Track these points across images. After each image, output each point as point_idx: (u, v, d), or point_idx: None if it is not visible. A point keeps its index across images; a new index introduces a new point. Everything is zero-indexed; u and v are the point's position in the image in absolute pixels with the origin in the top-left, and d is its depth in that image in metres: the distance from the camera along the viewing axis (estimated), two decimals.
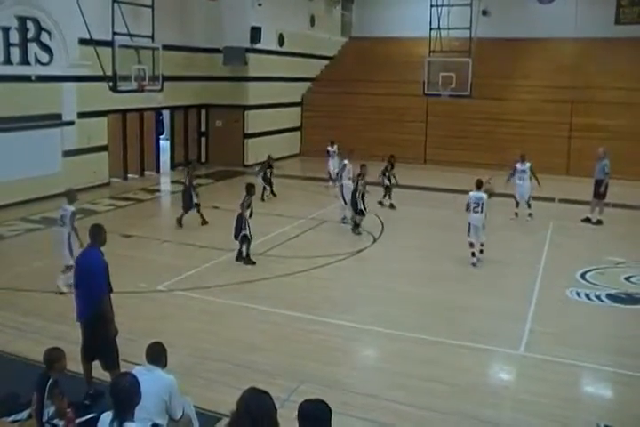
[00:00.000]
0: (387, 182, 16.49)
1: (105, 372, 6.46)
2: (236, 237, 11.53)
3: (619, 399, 7.14)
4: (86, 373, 6.58)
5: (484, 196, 11.71)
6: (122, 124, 19.67)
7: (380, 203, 16.47)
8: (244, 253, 11.58)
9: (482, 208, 11.60)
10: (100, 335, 6.38)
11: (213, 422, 5.98)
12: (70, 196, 10.30)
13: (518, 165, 15.73)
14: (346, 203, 14.59)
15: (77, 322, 6.59)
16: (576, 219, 15.36)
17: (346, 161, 15.15)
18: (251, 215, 11.54)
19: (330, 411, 3.46)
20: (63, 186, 16.62)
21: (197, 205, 14.21)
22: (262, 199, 16.58)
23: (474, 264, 11.60)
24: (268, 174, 17.36)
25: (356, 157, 15.78)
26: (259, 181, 16.67)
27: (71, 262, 9.72)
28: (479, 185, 11.87)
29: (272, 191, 17.62)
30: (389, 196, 16.55)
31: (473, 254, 11.68)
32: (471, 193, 11.85)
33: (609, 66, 24.30)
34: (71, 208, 10.08)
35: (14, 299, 9.53)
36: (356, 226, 13.84)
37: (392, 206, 16.45)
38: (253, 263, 11.46)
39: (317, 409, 3.47)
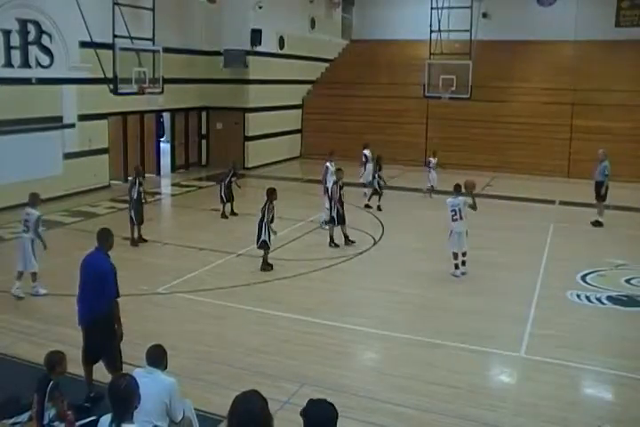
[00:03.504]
0: (375, 185, 16.40)
1: (106, 373, 6.45)
2: (257, 244, 11.38)
3: (619, 401, 7.13)
4: (87, 375, 6.58)
5: (461, 201, 11.02)
6: (122, 127, 19.69)
7: (367, 206, 16.35)
8: (262, 259, 11.38)
9: (460, 215, 10.98)
10: (106, 338, 6.38)
11: (214, 425, 5.98)
12: (34, 199, 9.91)
13: (431, 159, 18.80)
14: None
15: (79, 325, 6.57)
16: (576, 221, 15.36)
17: (328, 163, 14.72)
18: (272, 220, 11.35)
19: (336, 413, 3.41)
20: (64, 188, 16.81)
21: (131, 220, 12.81)
22: (224, 216, 15.21)
23: (456, 276, 11.15)
24: (233, 184, 15.53)
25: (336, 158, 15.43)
26: (219, 192, 15.35)
27: (36, 269, 9.68)
28: (457, 190, 11.23)
29: (232, 209, 15.47)
30: (379, 198, 16.43)
31: (457, 266, 11.20)
32: (448, 199, 11.28)
33: (609, 68, 24.34)
34: (37, 212, 9.76)
35: (15, 301, 9.52)
36: (331, 238, 12.94)
37: (379, 208, 16.32)
38: (271, 269, 11.33)
39: (322, 411, 3.42)
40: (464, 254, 11.27)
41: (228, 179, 15.44)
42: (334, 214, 12.98)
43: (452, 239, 11.16)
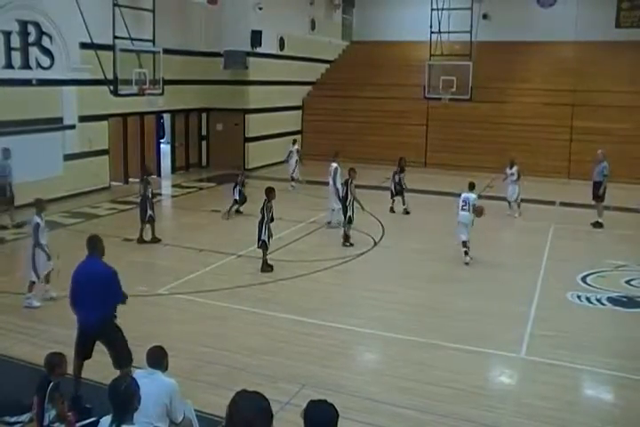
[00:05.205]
0: (397, 187, 16.12)
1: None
2: (257, 245, 11.37)
3: (619, 402, 7.13)
4: (77, 371, 6.49)
5: (473, 196, 11.98)
6: (123, 128, 19.70)
7: (392, 209, 16.22)
8: (262, 260, 11.38)
9: (469, 207, 11.86)
10: (114, 338, 6.39)
11: (214, 426, 5.98)
12: (39, 205, 9.57)
13: (507, 170, 16.26)
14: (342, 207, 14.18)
15: (86, 332, 6.43)
16: (577, 222, 15.36)
17: (335, 164, 14.71)
18: (272, 220, 11.36)
19: (336, 414, 3.40)
20: (64, 189, 16.81)
21: (151, 219, 13.06)
22: (226, 217, 15.32)
23: (467, 263, 11.83)
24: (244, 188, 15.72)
25: (342, 159, 15.43)
26: (234, 193, 15.43)
27: (34, 279, 9.38)
28: (471, 187, 12.20)
29: (239, 208, 15.63)
30: (403, 201, 16.19)
31: (466, 253, 11.92)
32: (463, 194, 12.16)
33: (609, 69, 24.36)
34: (37, 219, 9.35)
35: (15, 303, 9.52)
36: (347, 238, 13.16)
37: (406, 212, 16.15)
38: (271, 270, 11.33)
39: (323, 412, 3.41)
40: (464, 244, 11.87)
41: (243, 181, 15.71)
42: (351, 214, 13.15)
43: (459, 229, 11.98)
